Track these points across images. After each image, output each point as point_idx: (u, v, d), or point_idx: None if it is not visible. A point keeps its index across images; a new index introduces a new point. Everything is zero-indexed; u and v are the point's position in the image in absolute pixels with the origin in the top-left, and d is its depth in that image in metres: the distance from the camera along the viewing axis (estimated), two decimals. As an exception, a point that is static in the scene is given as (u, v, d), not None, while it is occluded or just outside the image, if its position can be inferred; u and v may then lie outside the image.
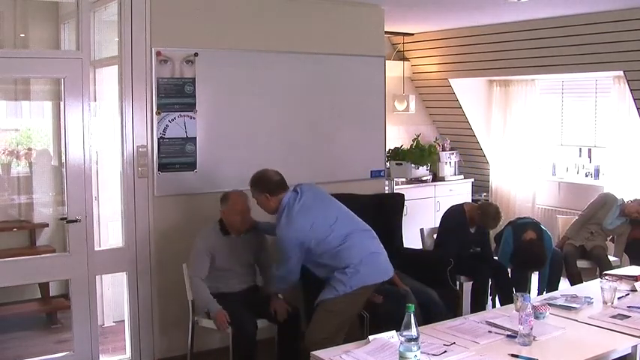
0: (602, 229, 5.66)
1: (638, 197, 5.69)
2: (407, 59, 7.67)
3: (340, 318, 3.64)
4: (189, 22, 4.55)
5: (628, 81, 5.90)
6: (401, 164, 7.12)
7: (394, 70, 7.29)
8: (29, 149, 5.70)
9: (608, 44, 5.73)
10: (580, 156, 7.15)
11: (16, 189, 5.63)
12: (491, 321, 3.19)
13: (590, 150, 7.06)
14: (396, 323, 2.66)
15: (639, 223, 5.56)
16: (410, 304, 2.53)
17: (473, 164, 7.85)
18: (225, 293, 4.09)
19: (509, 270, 5.20)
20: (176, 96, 4.51)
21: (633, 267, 4.44)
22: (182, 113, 4.53)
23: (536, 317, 3.14)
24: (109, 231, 5.14)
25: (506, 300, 4.73)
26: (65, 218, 4.25)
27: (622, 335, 3.09)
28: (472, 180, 7.66)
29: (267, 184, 3.81)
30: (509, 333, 3.03)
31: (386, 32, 5.83)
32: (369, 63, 5.40)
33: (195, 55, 4.55)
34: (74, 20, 4.31)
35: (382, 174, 5.58)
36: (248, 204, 4.12)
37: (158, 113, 4.45)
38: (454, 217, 5.25)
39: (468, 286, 5.17)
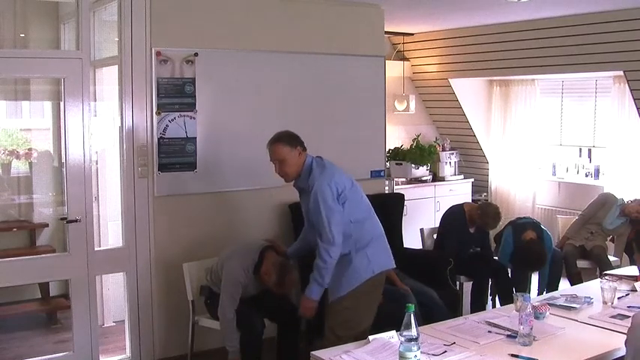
0: (602, 229, 5.66)
1: (638, 197, 5.69)
2: (407, 59, 7.67)
3: (367, 307, 3.56)
4: (189, 22, 4.55)
5: (628, 81, 5.90)
6: (401, 164, 7.12)
7: (394, 70, 7.29)
8: (29, 149, 5.69)
9: (608, 44, 5.73)
10: (580, 156, 7.15)
11: (16, 189, 5.63)
12: (491, 321, 3.19)
13: (590, 150, 7.05)
14: (396, 323, 2.66)
15: (639, 223, 5.56)
16: (410, 304, 2.52)
17: (473, 164, 7.85)
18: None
19: (509, 270, 5.20)
20: (176, 96, 4.51)
21: (633, 267, 4.43)
22: (182, 113, 4.53)
23: (536, 317, 3.13)
24: (109, 231, 5.15)
25: (506, 300, 4.73)
26: (65, 218, 4.25)
27: (622, 335, 3.06)
28: (472, 180, 7.66)
29: (299, 138, 3.62)
30: (509, 333, 3.03)
31: (386, 32, 5.83)
32: (369, 63, 5.39)
33: (195, 55, 4.55)
34: (74, 20, 4.31)
35: (382, 174, 5.58)
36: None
37: (158, 113, 4.45)
38: (454, 217, 5.25)
39: (468, 286, 5.17)
